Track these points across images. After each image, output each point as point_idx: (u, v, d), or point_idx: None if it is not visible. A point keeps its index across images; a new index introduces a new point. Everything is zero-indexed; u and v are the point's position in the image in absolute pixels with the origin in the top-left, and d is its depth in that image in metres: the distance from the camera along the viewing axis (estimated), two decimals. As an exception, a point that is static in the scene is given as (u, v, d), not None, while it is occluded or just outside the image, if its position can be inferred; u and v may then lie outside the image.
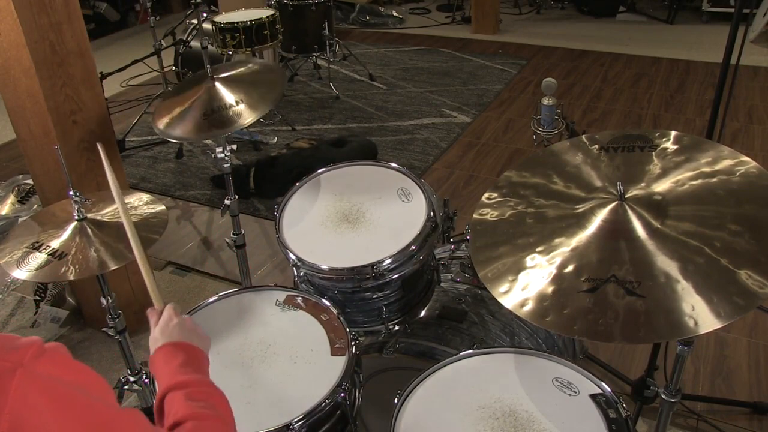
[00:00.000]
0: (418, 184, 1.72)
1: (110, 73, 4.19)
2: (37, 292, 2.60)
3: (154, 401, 0.96)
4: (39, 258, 1.60)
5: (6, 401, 0.61)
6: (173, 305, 1.14)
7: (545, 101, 1.80)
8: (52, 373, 0.66)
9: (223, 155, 2.12)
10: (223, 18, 3.80)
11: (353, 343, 1.41)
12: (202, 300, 1.59)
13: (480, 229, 1.35)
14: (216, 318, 1.54)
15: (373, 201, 1.70)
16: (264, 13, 3.89)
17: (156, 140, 4.25)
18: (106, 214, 1.76)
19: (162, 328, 1.08)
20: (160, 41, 4.18)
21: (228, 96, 2.04)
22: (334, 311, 1.50)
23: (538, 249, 1.24)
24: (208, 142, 4.17)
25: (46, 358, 0.66)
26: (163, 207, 1.81)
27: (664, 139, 1.37)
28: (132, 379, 1.94)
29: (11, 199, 3.04)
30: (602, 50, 5.56)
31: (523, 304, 1.16)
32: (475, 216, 1.39)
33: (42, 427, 0.63)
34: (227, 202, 2.26)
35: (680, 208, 1.21)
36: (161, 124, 2.02)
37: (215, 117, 1.98)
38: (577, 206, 1.29)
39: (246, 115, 1.98)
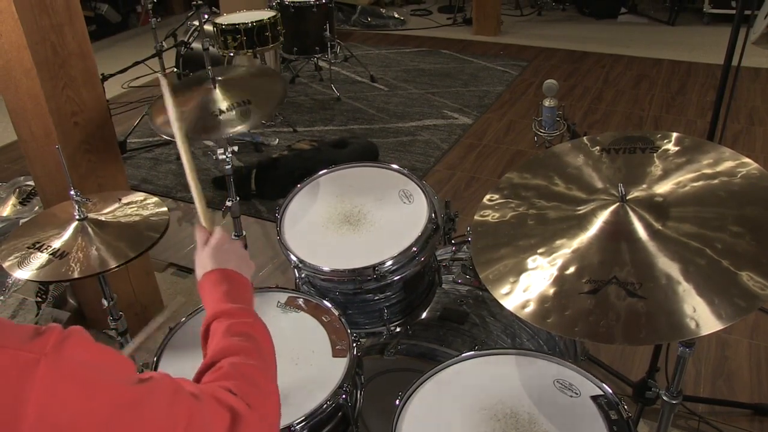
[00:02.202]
0: (419, 186, 1.72)
1: (111, 75, 4.20)
2: (39, 294, 2.60)
3: (201, 327, 0.97)
4: (40, 258, 1.61)
5: (31, 393, 0.61)
6: (223, 228, 1.14)
7: (546, 103, 1.80)
8: (76, 358, 0.66)
9: (224, 157, 2.13)
10: (225, 19, 3.80)
11: (354, 344, 1.41)
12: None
13: (481, 230, 1.35)
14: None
15: (375, 202, 1.70)
16: (265, 14, 3.89)
17: (157, 142, 4.26)
18: (107, 213, 1.76)
19: (213, 251, 1.07)
20: (162, 43, 4.18)
21: (227, 100, 2.05)
22: (336, 313, 1.50)
23: (540, 250, 1.24)
24: (210, 143, 4.18)
25: (68, 344, 0.66)
26: (165, 208, 1.81)
27: (665, 141, 1.37)
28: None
29: (12, 200, 3.04)
30: (603, 52, 5.56)
31: (524, 306, 1.16)
32: (476, 217, 1.39)
33: (71, 415, 0.63)
34: (228, 203, 2.26)
35: (681, 210, 1.21)
36: (158, 121, 2.04)
37: (213, 120, 1.99)
38: (579, 208, 1.29)
39: (242, 120, 2.00)
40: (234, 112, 2.03)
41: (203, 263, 1.07)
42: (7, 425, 0.61)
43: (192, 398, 0.74)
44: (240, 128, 2.04)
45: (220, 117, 2.03)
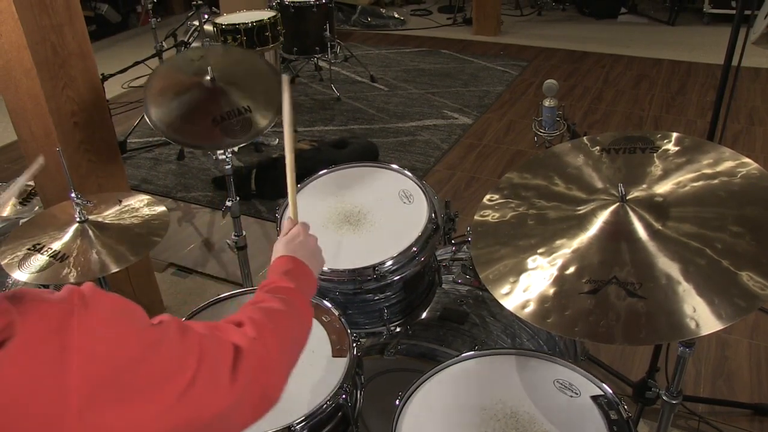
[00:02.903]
0: (419, 186, 1.72)
1: (111, 75, 4.20)
2: (39, 294, 2.60)
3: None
4: (40, 260, 1.61)
5: (73, 340, 0.67)
6: (307, 224, 1.24)
7: (546, 103, 1.80)
8: (102, 306, 0.72)
9: (224, 157, 2.13)
10: (225, 19, 3.81)
11: (354, 344, 1.41)
12: (204, 302, 1.59)
13: (481, 230, 1.35)
14: (217, 320, 1.53)
15: (375, 203, 1.70)
16: (265, 14, 3.89)
17: (157, 142, 4.26)
18: (108, 216, 1.76)
19: (288, 240, 1.18)
20: (162, 43, 4.18)
21: (235, 102, 2.05)
22: (336, 313, 1.50)
23: (540, 250, 1.24)
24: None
25: (89, 295, 0.71)
26: (164, 209, 1.81)
27: (665, 141, 1.37)
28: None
29: (12, 200, 3.04)
30: (603, 52, 5.56)
31: (524, 306, 1.16)
32: (476, 217, 1.39)
33: (109, 357, 0.69)
34: (228, 203, 2.26)
35: (681, 210, 1.21)
36: (150, 96, 2.04)
37: (226, 124, 1.99)
38: (579, 208, 1.29)
39: (260, 122, 2.01)
40: (234, 121, 2.02)
41: (277, 249, 1.17)
42: (57, 373, 0.65)
43: (199, 334, 0.81)
44: (240, 141, 2.05)
45: (222, 125, 2.01)
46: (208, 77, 2.08)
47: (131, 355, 0.71)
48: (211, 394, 0.77)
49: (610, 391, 1.27)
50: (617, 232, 1.21)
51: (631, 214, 1.22)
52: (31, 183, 3.05)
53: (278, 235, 1.25)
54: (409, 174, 1.76)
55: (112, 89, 4.95)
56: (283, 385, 0.92)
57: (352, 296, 1.63)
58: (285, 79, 1.35)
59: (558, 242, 1.24)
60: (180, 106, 2.04)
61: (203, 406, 0.76)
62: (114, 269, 1.60)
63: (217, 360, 0.80)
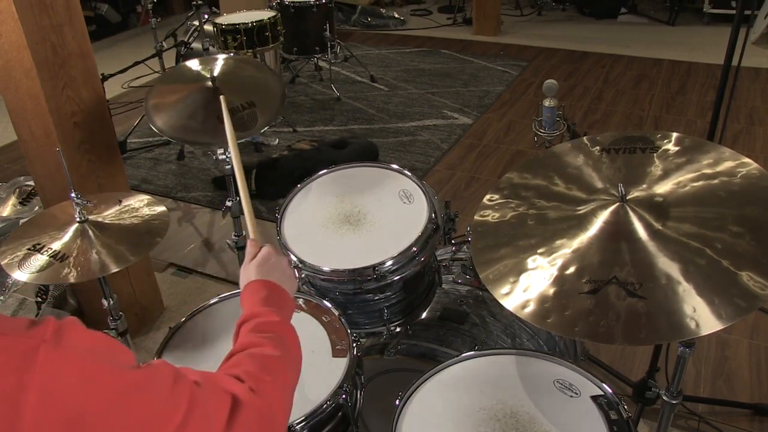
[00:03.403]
0: (419, 186, 1.72)
1: (111, 75, 4.20)
2: (39, 294, 2.60)
3: (234, 329, 1.01)
4: (40, 260, 1.60)
5: (33, 378, 0.62)
6: (272, 245, 1.18)
7: (546, 103, 1.80)
8: (75, 344, 0.67)
9: (224, 157, 2.13)
10: (225, 19, 3.80)
11: (354, 344, 1.41)
12: (204, 302, 1.59)
13: (481, 230, 1.35)
14: (217, 320, 1.54)
15: (375, 203, 1.70)
16: (265, 14, 3.89)
17: (157, 142, 4.26)
18: (108, 216, 1.76)
19: (259, 264, 1.11)
20: (162, 43, 4.18)
21: (238, 99, 2.06)
22: (336, 313, 1.50)
23: (540, 250, 1.24)
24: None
25: (65, 331, 0.67)
26: (164, 209, 1.81)
27: (665, 141, 1.37)
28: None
29: (12, 200, 3.04)
30: (603, 52, 5.56)
31: (524, 306, 1.16)
32: (476, 217, 1.39)
33: (74, 399, 0.64)
34: (228, 203, 2.26)
35: (681, 210, 1.21)
36: (152, 102, 2.06)
37: (215, 127, 2.00)
38: (579, 208, 1.29)
39: (265, 115, 2.02)
40: (238, 116, 2.03)
41: (248, 274, 1.11)
42: (8, 412, 0.61)
43: (193, 384, 0.75)
44: (244, 137, 2.06)
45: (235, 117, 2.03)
46: (208, 77, 2.09)
47: (101, 398, 0.66)
48: None
49: (610, 391, 1.27)
50: (617, 232, 1.21)
51: (631, 214, 1.22)
52: (31, 183, 3.05)
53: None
54: (409, 174, 1.76)
55: (112, 89, 4.95)
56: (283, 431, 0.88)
57: (352, 296, 1.63)
58: (222, 99, 1.32)
59: (558, 242, 1.24)
60: (185, 109, 2.05)
61: None
62: (114, 269, 1.60)
63: (212, 410, 0.76)
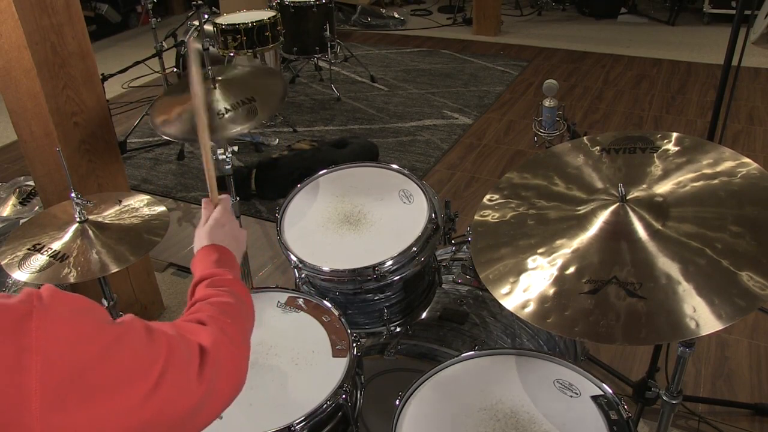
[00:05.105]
0: (419, 186, 1.72)
1: (111, 75, 4.20)
2: (39, 294, 2.60)
3: (189, 290, 1.07)
4: (40, 260, 1.60)
5: (32, 342, 0.66)
6: (226, 203, 1.24)
7: (546, 103, 1.80)
8: (61, 306, 0.71)
9: (224, 157, 2.13)
10: (225, 19, 3.80)
11: (354, 344, 1.41)
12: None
13: (481, 230, 1.35)
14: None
15: (375, 202, 1.70)
16: (265, 14, 3.89)
17: (157, 142, 4.26)
18: (108, 216, 1.76)
19: (211, 229, 1.18)
20: (162, 43, 4.18)
21: (229, 99, 2.06)
22: (336, 313, 1.50)
23: (540, 250, 1.24)
24: (210, 143, 4.17)
25: (48, 296, 0.71)
26: (164, 208, 1.81)
27: (665, 141, 1.37)
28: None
29: (12, 200, 3.04)
30: (603, 52, 5.56)
31: (524, 306, 1.16)
32: (476, 217, 1.39)
33: (71, 357, 0.68)
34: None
35: (681, 210, 1.21)
36: (158, 120, 2.07)
37: (216, 120, 2.00)
38: (579, 208, 1.29)
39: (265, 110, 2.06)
40: (238, 111, 2.05)
41: (200, 239, 1.18)
42: (14, 375, 0.64)
43: (167, 334, 0.81)
44: (245, 127, 2.06)
45: (226, 116, 2.04)
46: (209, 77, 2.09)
47: (93, 353, 0.70)
48: (179, 391, 0.77)
49: (610, 391, 1.27)
50: (617, 232, 1.21)
51: (631, 214, 1.22)
52: (31, 183, 3.05)
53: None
54: (409, 174, 1.76)
55: (112, 89, 4.95)
56: (246, 371, 0.94)
57: (352, 296, 1.63)
58: (190, 41, 1.28)
59: (558, 242, 1.24)
60: (189, 117, 2.08)
61: (172, 403, 0.76)
62: (114, 269, 1.60)
63: (185, 359, 0.80)
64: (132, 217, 1.77)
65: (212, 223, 1.19)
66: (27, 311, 0.67)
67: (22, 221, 2.70)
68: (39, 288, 0.73)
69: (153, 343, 0.77)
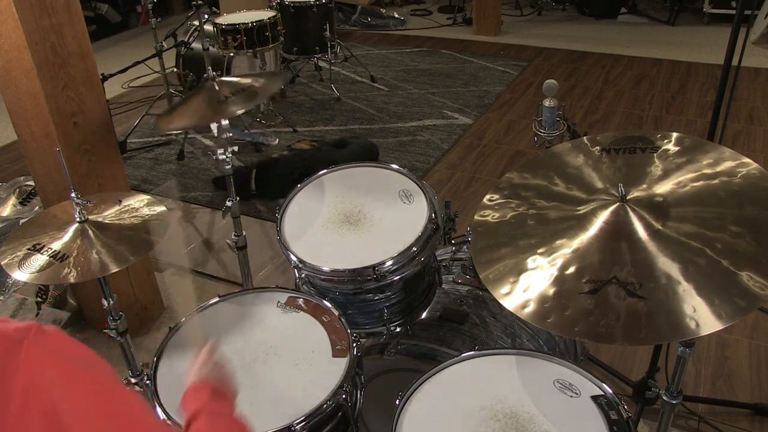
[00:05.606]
0: (419, 186, 1.72)
1: (111, 75, 4.19)
2: (39, 294, 2.60)
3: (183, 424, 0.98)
4: (40, 260, 1.60)
5: (17, 368, 0.65)
6: (211, 346, 1.15)
7: (546, 103, 1.80)
8: (57, 346, 0.70)
9: (224, 157, 2.13)
10: (225, 19, 3.81)
11: (354, 344, 1.41)
12: (204, 302, 1.59)
13: (481, 230, 1.35)
14: (217, 320, 1.54)
15: (375, 202, 1.70)
16: (265, 14, 3.90)
17: (157, 142, 4.26)
18: (108, 216, 1.76)
19: (198, 370, 1.09)
20: (162, 43, 4.18)
21: (231, 87, 2.09)
22: (336, 313, 1.50)
23: (540, 250, 1.24)
24: (210, 143, 4.18)
25: (47, 335, 0.70)
26: (164, 208, 1.81)
27: (665, 141, 1.37)
28: (133, 380, 1.94)
29: (12, 200, 3.04)
30: (603, 52, 5.56)
31: (524, 306, 1.16)
32: (476, 217, 1.39)
33: (51, 392, 0.66)
34: (228, 203, 2.25)
35: (681, 210, 1.21)
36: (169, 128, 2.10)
37: (220, 106, 2.03)
38: (579, 208, 1.29)
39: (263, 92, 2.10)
40: (240, 95, 2.06)
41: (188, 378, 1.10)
42: None
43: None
44: (247, 107, 2.09)
45: (229, 100, 2.05)
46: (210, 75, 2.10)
47: (76, 403, 0.68)
48: None
49: (610, 391, 1.27)
50: (617, 232, 1.21)
51: (631, 214, 1.22)
52: (31, 183, 3.05)
53: None
54: (409, 174, 1.76)
55: (112, 89, 4.95)
56: None
57: (352, 296, 1.63)
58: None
59: (558, 242, 1.24)
60: (191, 120, 2.09)
61: None
62: (114, 269, 1.59)
63: None
64: (132, 217, 1.76)
65: (200, 365, 1.11)
66: (20, 338, 0.67)
67: (22, 221, 2.70)
68: (60, 318, 0.71)
69: (159, 422, 0.74)
